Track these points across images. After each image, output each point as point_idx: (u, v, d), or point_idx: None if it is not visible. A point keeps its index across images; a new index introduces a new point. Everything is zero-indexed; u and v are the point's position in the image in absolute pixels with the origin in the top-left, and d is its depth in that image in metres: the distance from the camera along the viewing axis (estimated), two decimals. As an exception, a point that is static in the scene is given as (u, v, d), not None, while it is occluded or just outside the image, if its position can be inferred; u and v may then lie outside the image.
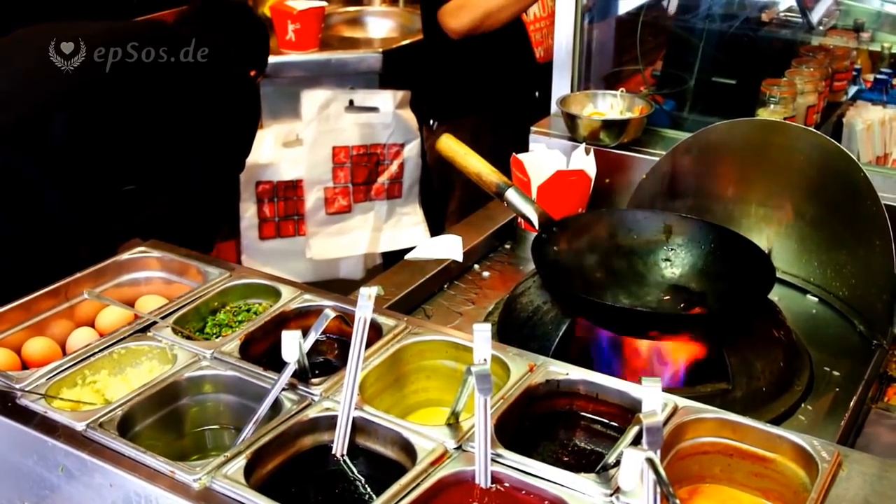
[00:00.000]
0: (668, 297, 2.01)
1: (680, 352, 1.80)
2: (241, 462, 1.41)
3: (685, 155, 2.26)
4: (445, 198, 3.55)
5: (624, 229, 2.08)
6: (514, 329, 1.92)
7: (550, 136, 2.69)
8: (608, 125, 2.57)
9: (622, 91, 2.74)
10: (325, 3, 3.82)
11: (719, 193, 2.25)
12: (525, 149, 2.60)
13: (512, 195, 2.06)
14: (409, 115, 3.70)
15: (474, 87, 3.38)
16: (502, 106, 3.37)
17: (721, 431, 1.50)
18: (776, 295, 2.11)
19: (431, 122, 3.53)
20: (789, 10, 3.38)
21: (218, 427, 1.67)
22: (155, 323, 1.77)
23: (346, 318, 1.74)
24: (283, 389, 1.55)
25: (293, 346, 1.54)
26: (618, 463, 1.31)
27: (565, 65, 2.83)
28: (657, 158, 2.33)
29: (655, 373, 1.79)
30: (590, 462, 1.52)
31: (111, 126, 2.20)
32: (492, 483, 1.37)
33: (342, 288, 2.70)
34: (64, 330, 1.86)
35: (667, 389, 1.63)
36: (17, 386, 1.60)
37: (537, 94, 3.33)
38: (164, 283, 2.00)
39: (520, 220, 2.42)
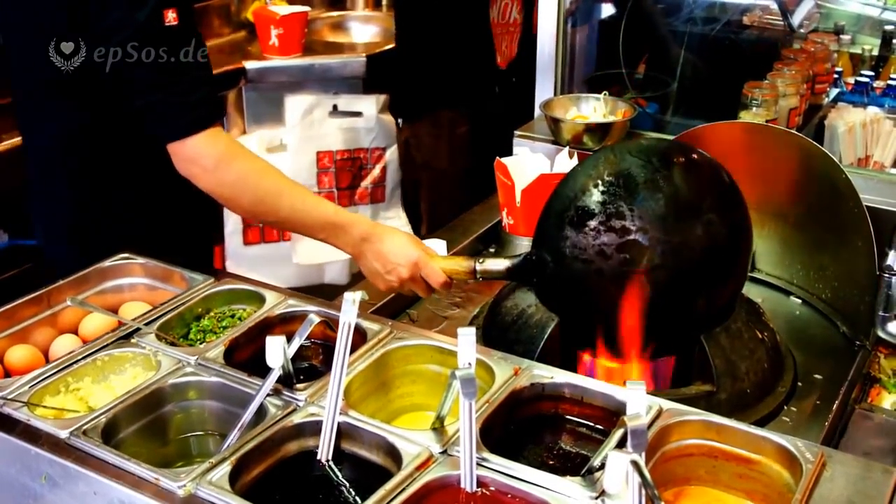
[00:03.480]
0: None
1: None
2: (225, 468, 1.41)
3: (668, 158, 2.26)
4: (416, 197, 3.59)
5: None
6: (499, 333, 1.92)
7: (534, 140, 2.70)
8: (591, 129, 2.57)
9: (605, 94, 2.75)
10: (308, 8, 3.82)
11: (702, 196, 2.26)
12: (506, 151, 2.61)
13: (483, 267, 1.91)
14: (389, 119, 3.71)
15: (437, 86, 3.42)
16: (463, 104, 3.42)
17: (706, 433, 1.51)
18: (760, 296, 2.13)
19: (398, 121, 3.57)
20: (770, 13, 3.39)
21: (202, 433, 1.66)
22: (138, 329, 1.76)
23: (330, 324, 1.74)
24: (268, 395, 1.55)
25: (278, 351, 1.54)
26: (603, 466, 1.32)
27: (548, 68, 2.84)
28: (640, 161, 2.33)
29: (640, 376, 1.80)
30: (575, 465, 1.53)
31: None
32: (477, 487, 1.37)
33: (327, 293, 2.70)
34: (47, 337, 1.85)
35: (652, 392, 1.63)
36: (0, 394, 1.59)
37: (497, 88, 3.38)
38: (148, 290, 1.99)
39: (504, 224, 2.42)
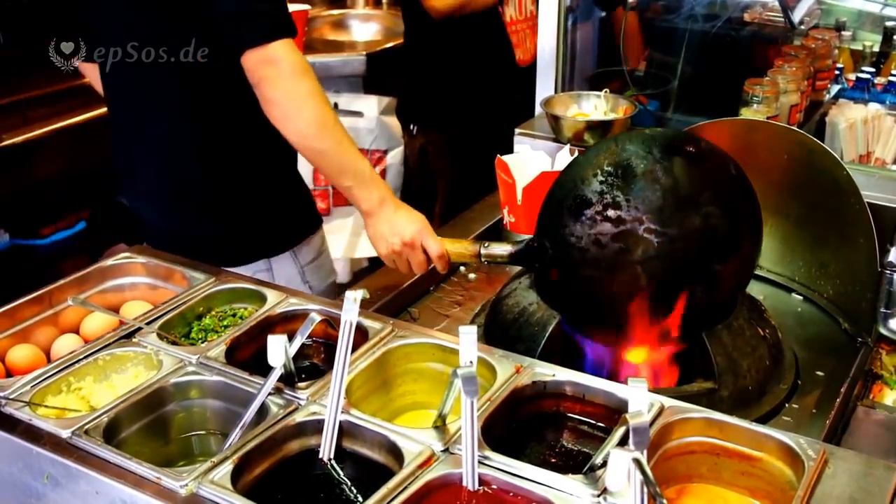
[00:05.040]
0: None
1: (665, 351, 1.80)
2: (227, 467, 1.41)
3: (669, 155, 2.26)
4: (430, 202, 3.56)
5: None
6: (500, 331, 1.92)
7: (535, 138, 2.70)
8: (592, 126, 2.57)
9: (606, 92, 2.74)
10: (308, 7, 3.82)
11: (703, 193, 2.25)
12: (509, 150, 2.60)
13: (487, 251, 1.98)
14: (393, 122, 3.70)
15: (456, 94, 3.39)
16: (484, 113, 3.39)
17: (708, 431, 1.50)
18: (761, 294, 2.13)
19: (412, 126, 3.54)
20: (771, 9, 3.39)
21: (204, 432, 1.66)
22: (140, 329, 1.76)
23: (331, 322, 1.75)
24: (270, 394, 1.55)
25: (279, 350, 1.53)
26: (605, 464, 1.31)
27: (549, 66, 2.83)
28: (641, 159, 2.33)
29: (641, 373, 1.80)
30: (577, 463, 1.52)
31: None
32: (479, 485, 1.37)
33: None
34: (48, 337, 1.85)
35: (653, 389, 1.63)
36: (2, 394, 1.59)
37: (518, 96, 3.34)
38: (149, 289, 1.99)
39: (505, 222, 2.42)
